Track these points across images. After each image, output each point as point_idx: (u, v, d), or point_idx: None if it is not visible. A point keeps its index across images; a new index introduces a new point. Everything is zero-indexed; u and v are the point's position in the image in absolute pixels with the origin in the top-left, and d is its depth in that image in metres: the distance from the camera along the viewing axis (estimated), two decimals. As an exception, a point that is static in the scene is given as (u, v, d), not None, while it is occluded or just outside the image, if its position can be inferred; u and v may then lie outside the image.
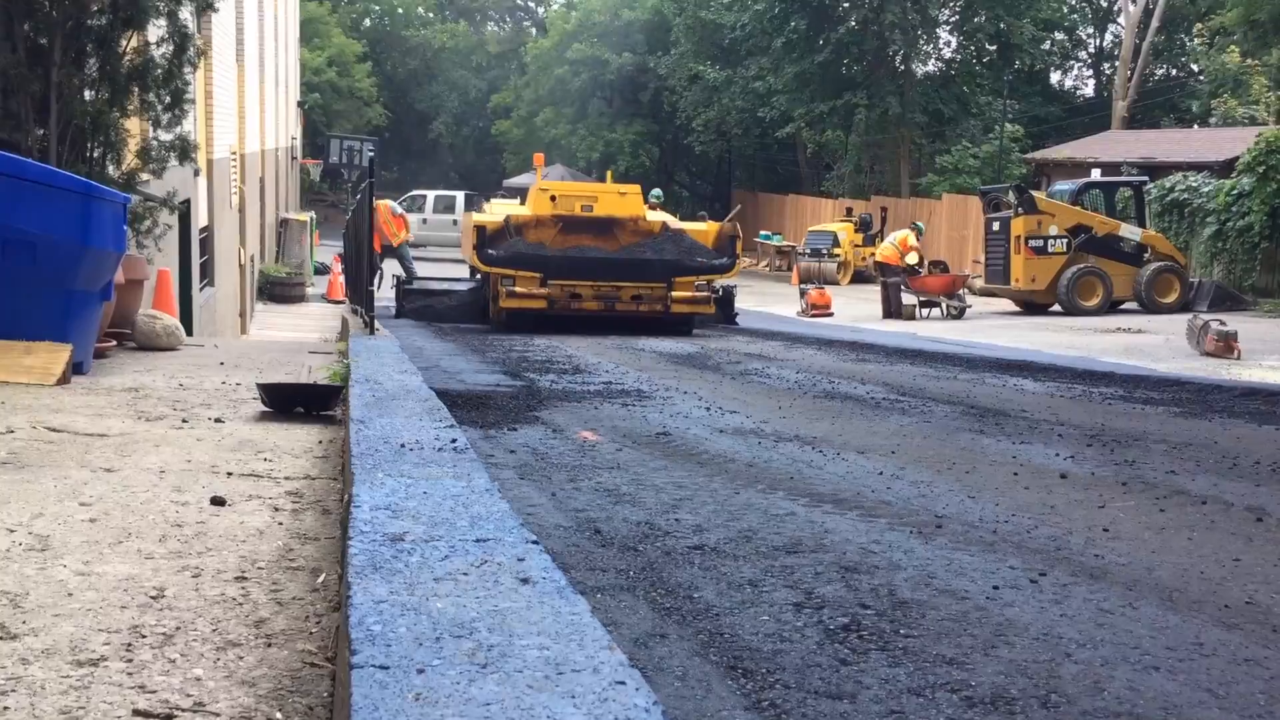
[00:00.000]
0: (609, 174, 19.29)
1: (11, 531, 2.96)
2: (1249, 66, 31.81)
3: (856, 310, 21.44)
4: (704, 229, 15.55)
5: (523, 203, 16.25)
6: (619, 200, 15.04)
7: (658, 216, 15.54)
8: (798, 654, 2.89)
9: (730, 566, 3.66)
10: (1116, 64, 39.09)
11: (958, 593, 3.45)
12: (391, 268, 19.54)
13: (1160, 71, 42.15)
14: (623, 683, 1.65)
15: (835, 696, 2.62)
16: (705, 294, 14.40)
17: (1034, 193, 21.63)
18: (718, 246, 14.84)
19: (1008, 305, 21.90)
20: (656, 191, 23.07)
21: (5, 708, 1.90)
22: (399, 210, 22.14)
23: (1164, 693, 2.72)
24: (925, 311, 20.29)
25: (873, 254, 31.53)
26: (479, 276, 15.47)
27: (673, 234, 14.87)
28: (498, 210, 15.65)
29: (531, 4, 61.72)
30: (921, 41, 36.91)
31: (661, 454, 5.69)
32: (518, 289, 13.92)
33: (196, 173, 12.75)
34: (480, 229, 14.12)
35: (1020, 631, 3.11)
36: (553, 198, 14.97)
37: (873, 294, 26.98)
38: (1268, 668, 2.93)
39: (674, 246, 14.57)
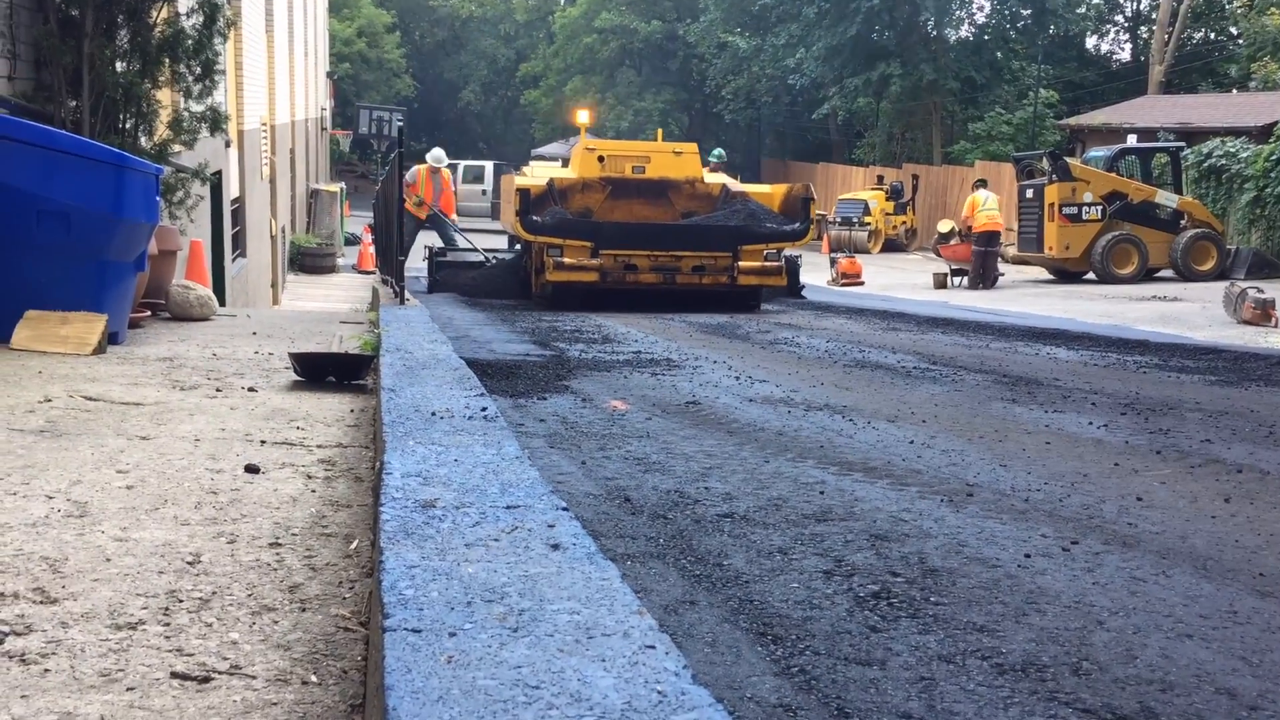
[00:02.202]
0: (659, 133, 17.00)
1: (50, 498, 3.00)
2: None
3: (888, 279, 21.32)
4: (768, 191, 14.20)
5: (565, 165, 14.93)
6: (674, 160, 13.66)
7: (717, 178, 14.21)
8: (828, 621, 2.89)
9: (760, 534, 3.66)
10: (1153, 27, 38.44)
11: (989, 561, 3.44)
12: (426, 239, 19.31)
13: (1198, 35, 41.41)
14: (652, 647, 1.66)
15: (865, 663, 2.63)
16: (775, 264, 12.87)
17: (1068, 159, 21.38)
18: (785, 210, 13.37)
19: (1041, 273, 21.70)
20: (718, 151, 21.14)
21: (46, 670, 1.93)
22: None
23: (1197, 660, 2.71)
24: (957, 280, 20.16)
25: (904, 222, 31.35)
26: (518, 246, 14.15)
27: (735, 197, 13.42)
28: (540, 173, 14.16)
29: (560, -28, 61.42)
30: (954, 6, 36.44)
31: (691, 423, 5.69)
32: (566, 260, 12.40)
33: (228, 144, 12.82)
34: (523, 193, 12.68)
35: (1052, 599, 3.10)
36: (600, 158, 13.49)
37: (903, 262, 26.82)
38: (1303, 636, 2.90)
39: (738, 211, 13.16)
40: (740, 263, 12.61)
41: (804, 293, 15.23)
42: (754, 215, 13.07)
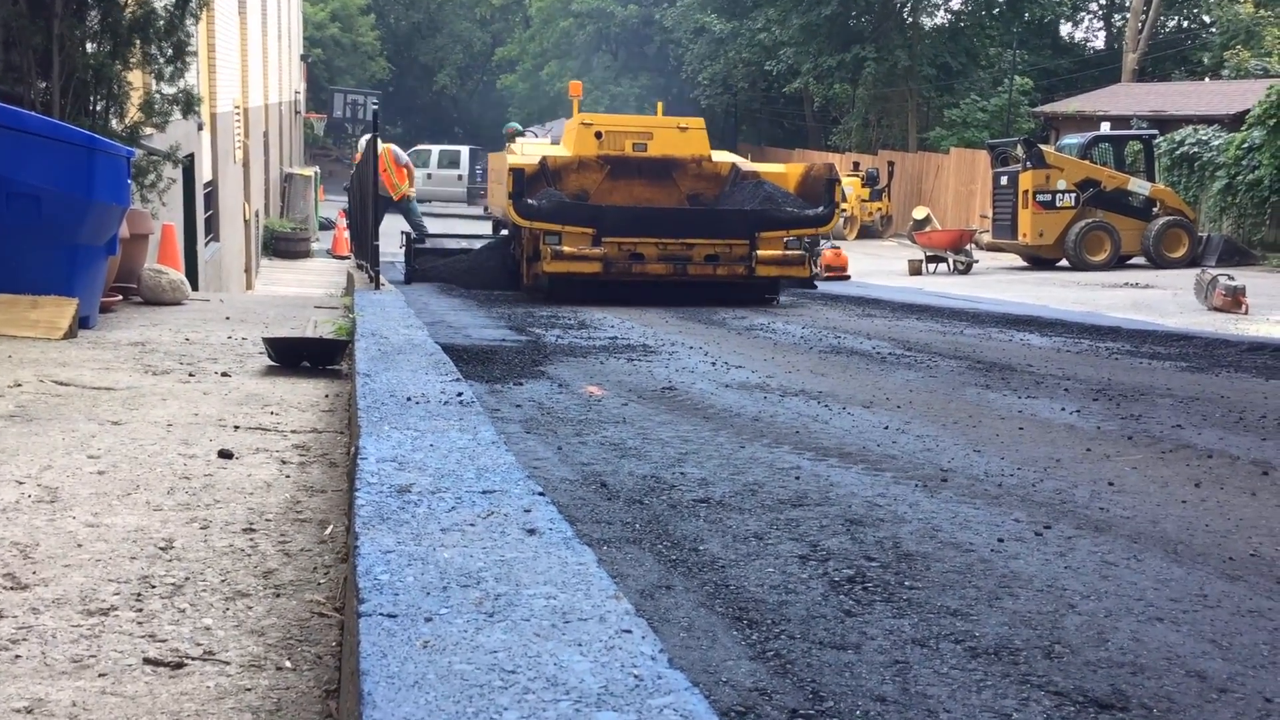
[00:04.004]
0: (659, 107, 15.43)
1: (21, 483, 2.97)
2: (1262, 18, 31.44)
3: (863, 266, 21.35)
4: (782, 171, 13.06)
5: (555, 142, 13.86)
6: (678, 137, 12.49)
7: (726, 157, 13.08)
8: (803, 605, 2.90)
9: (736, 519, 3.67)
10: (1127, 15, 38.62)
11: (962, 545, 3.46)
12: (398, 224, 18.99)
13: (1172, 23, 41.65)
14: (629, 631, 1.66)
15: (840, 647, 2.64)
16: (797, 252, 11.72)
17: (1042, 146, 21.48)
18: (803, 193, 12.24)
19: (1015, 260, 21.81)
20: None
21: (17, 656, 1.92)
22: (404, 159, 20.04)
23: (1167, 643, 2.74)
24: (932, 267, 20.22)
25: (880, 209, 31.44)
26: (504, 232, 13.17)
27: (747, 178, 12.37)
28: (531, 150, 12.87)
29: (536, -45, 61.02)
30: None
31: (667, 408, 5.70)
32: (565, 249, 11.24)
33: (200, 127, 12.70)
34: (517, 173, 11.45)
35: (1024, 583, 3.12)
36: (598, 134, 12.35)
37: (878, 249, 26.90)
38: (1271, 619, 2.94)
39: (752, 194, 12.05)
40: (759, 251, 11.53)
41: (815, 282, 14.22)
42: (772, 198, 11.99)
